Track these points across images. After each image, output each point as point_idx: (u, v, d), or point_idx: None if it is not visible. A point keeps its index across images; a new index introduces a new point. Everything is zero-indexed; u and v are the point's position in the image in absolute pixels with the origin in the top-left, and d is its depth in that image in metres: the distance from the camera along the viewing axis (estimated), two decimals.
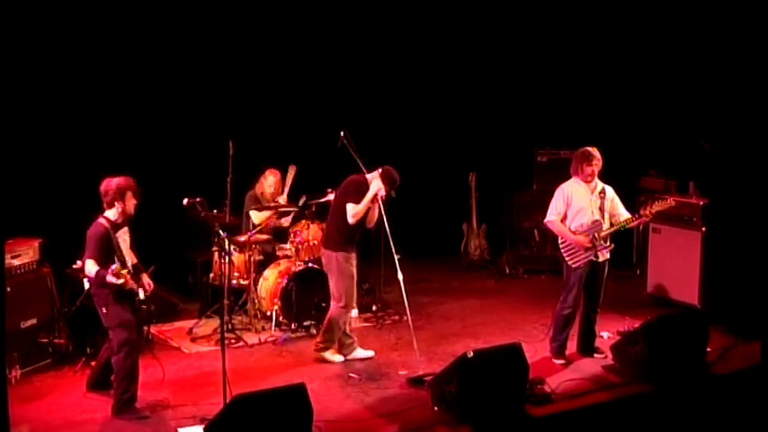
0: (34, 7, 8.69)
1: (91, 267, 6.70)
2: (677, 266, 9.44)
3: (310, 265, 8.97)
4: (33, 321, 7.72)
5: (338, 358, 8.08)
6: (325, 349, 8.06)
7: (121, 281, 6.65)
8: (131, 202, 6.90)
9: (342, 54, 11.08)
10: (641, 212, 7.89)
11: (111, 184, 6.85)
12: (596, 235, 7.81)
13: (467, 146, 11.82)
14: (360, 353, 8.15)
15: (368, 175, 7.98)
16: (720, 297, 8.98)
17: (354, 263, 8.03)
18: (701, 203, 9.37)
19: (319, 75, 10.98)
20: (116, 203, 6.84)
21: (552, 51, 11.46)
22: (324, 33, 10.88)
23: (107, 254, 6.73)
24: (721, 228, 9.22)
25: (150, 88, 9.83)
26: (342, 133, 8.20)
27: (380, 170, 7.95)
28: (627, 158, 10.53)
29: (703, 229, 9.31)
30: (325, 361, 8.03)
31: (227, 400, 6.25)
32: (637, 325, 8.06)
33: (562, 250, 7.93)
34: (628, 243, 10.59)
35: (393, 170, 7.97)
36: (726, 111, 9.84)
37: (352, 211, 7.83)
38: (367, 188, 7.88)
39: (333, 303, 8.06)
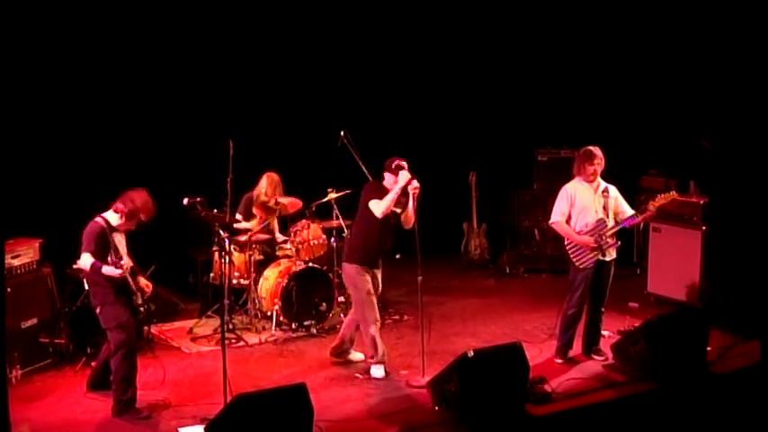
0: (35, 7, 8.69)
1: (86, 260, 6.71)
2: (677, 265, 9.42)
3: (311, 264, 8.97)
4: (34, 321, 7.73)
5: (358, 356, 7.99)
6: (345, 353, 8.01)
7: (118, 272, 6.66)
8: (139, 223, 6.92)
9: (342, 53, 11.07)
10: (645, 208, 7.85)
11: (134, 200, 6.82)
12: (602, 234, 7.82)
13: (467, 145, 11.81)
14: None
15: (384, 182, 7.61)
16: (720, 296, 8.98)
17: (370, 279, 7.62)
18: (702, 202, 9.36)
19: (319, 74, 10.97)
20: (123, 219, 6.84)
21: (552, 50, 11.45)
22: (324, 33, 10.87)
23: (103, 251, 6.73)
24: (722, 227, 9.22)
25: (150, 88, 9.82)
26: (342, 133, 8.20)
27: (386, 165, 7.56)
28: (627, 157, 10.52)
29: (704, 228, 9.30)
30: (350, 362, 7.97)
31: (228, 400, 6.26)
32: (637, 324, 8.05)
33: (569, 251, 7.91)
34: (628, 242, 10.58)
35: (390, 159, 7.60)
36: (726, 109, 9.83)
37: (377, 205, 7.43)
38: (385, 189, 7.53)
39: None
